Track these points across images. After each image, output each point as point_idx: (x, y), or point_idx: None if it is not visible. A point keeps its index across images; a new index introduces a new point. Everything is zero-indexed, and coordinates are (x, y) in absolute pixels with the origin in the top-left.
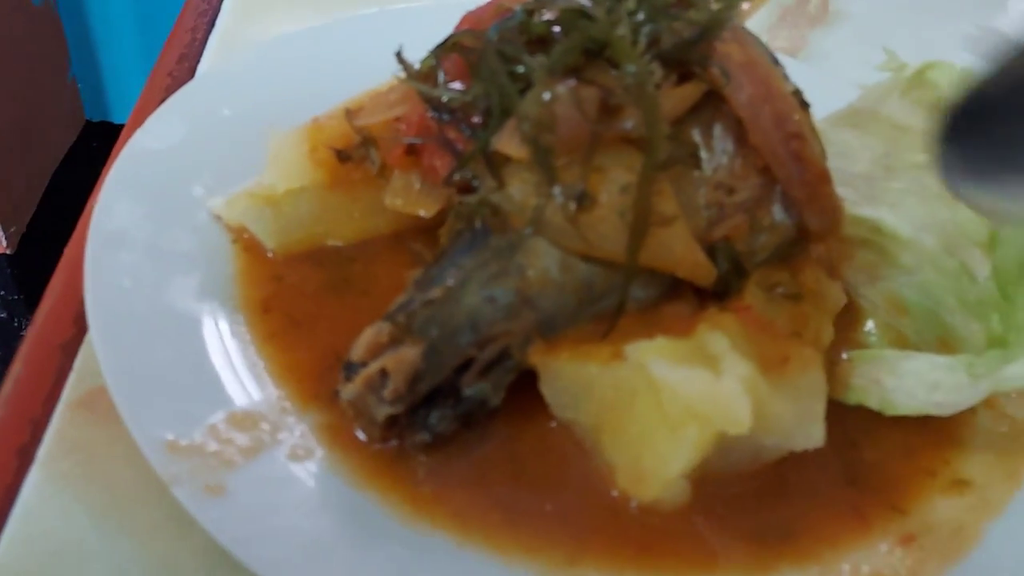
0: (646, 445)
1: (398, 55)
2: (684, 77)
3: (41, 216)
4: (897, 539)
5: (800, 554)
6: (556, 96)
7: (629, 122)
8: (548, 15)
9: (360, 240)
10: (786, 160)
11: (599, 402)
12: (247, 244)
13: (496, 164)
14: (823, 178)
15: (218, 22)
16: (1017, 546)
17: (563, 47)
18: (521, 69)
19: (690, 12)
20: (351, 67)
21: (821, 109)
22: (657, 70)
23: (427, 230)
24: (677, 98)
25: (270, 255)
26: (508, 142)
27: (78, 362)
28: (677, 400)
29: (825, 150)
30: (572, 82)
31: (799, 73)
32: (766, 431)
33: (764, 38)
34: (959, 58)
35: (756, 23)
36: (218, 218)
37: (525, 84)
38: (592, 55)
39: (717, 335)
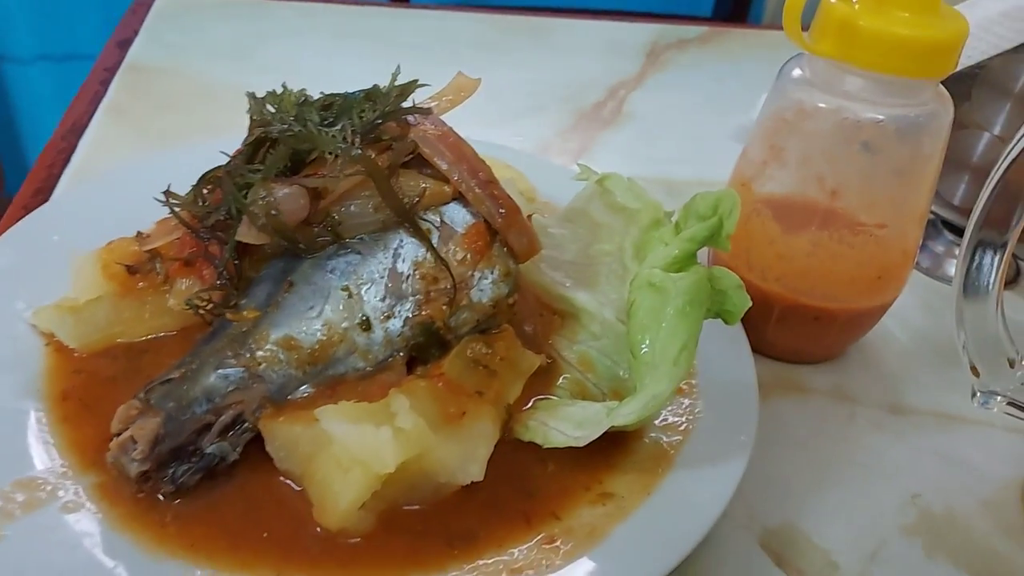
0: (326, 485)
1: (166, 192)
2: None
3: None
4: (544, 539)
5: (474, 554)
6: (275, 191)
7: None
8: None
9: (152, 336)
10: (485, 199)
11: (301, 455)
12: (57, 346)
13: (242, 268)
14: (515, 209)
15: (73, 159)
16: (634, 540)
17: (271, 160)
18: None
19: (371, 103)
20: (150, 195)
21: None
22: (354, 147)
23: (209, 324)
24: (385, 157)
25: (76, 354)
26: (247, 233)
27: None
28: (345, 450)
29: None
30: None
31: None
32: (436, 471)
33: (556, 141)
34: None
35: (551, 127)
36: (34, 326)
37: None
38: (307, 155)
39: (400, 397)
